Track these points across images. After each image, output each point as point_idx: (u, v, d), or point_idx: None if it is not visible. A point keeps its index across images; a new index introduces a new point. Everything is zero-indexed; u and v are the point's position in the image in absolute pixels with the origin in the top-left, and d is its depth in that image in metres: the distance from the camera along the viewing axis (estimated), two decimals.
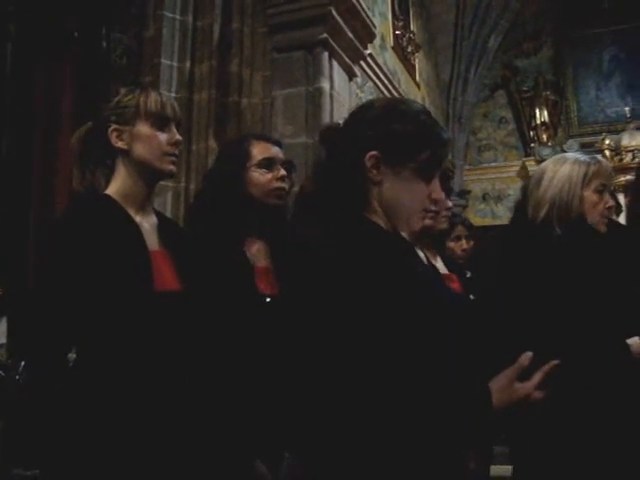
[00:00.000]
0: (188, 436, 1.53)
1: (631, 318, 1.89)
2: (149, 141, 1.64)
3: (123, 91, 1.68)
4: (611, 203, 2.07)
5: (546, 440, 1.81)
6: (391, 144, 1.24)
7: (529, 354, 1.18)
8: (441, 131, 1.30)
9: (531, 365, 1.17)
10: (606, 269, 1.97)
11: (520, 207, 2.17)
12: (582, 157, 2.11)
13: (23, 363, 2.96)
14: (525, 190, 2.16)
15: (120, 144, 1.64)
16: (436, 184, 1.28)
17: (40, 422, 1.48)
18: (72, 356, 1.55)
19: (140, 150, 1.63)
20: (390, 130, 1.24)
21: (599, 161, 2.10)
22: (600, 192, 2.04)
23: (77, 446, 1.44)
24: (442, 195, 1.29)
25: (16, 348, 3.36)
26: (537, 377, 1.16)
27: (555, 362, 1.18)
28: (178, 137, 1.68)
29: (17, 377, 3.05)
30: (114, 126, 1.64)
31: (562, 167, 2.07)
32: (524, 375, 1.17)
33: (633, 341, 1.89)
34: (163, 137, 1.65)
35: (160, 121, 1.65)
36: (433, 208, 1.31)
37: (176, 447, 1.50)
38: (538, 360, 1.18)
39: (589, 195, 2.03)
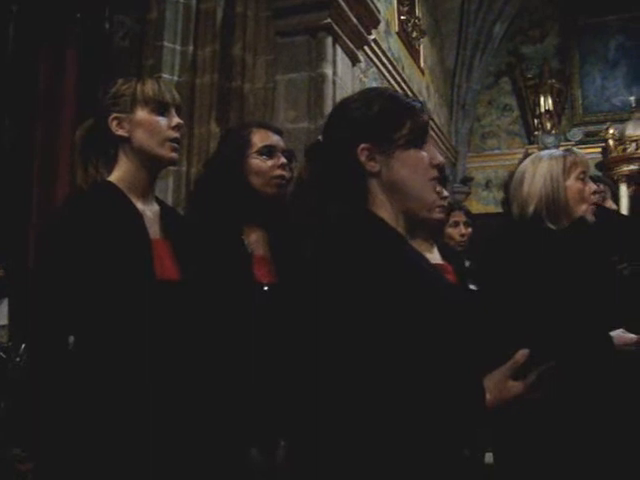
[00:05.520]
0: (183, 424, 1.54)
1: (615, 310, 1.91)
2: (149, 127, 1.64)
3: (120, 80, 1.69)
4: (595, 188, 2.11)
5: (528, 430, 1.82)
6: (375, 128, 1.26)
7: (525, 351, 1.18)
8: (412, 101, 1.35)
9: (526, 361, 1.18)
10: (595, 262, 2.00)
11: (506, 206, 2.21)
12: (557, 152, 2.18)
13: (24, 345, 2.97)
14: (507, 188, 2.20)
15: (121, 132, 1.64)
16: (431, 150, 1.30)
17: (38, 404, 1.49)
18: (72, 339, 1.56)
19: (141, 137, 1.64)
20: (370, 115, 1.27)
21: (574, 152, 2.18)
22: (582, 180, 2.10)
23: (74, 429, 1.45)
24: (441, 159, 1.31)
25: (17, 330, 3.38)
26: (531, 377, 1.17)
27: (551, 363, 1.18)
28: (178, 120, 1.69)
29: (18, 359, 3.07)
30: (114, 114, 1.64)
31: (540, 164, 2.13)
32: (520, 371, 1.17)
33: (616, 334, 1.91)
34: (163, 122, 1.66)
35: (159, 106, 1.66)
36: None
37: (171, 435, 1.51)
38: (532, 356, 1.19)
39: (572, 184, 2.08)
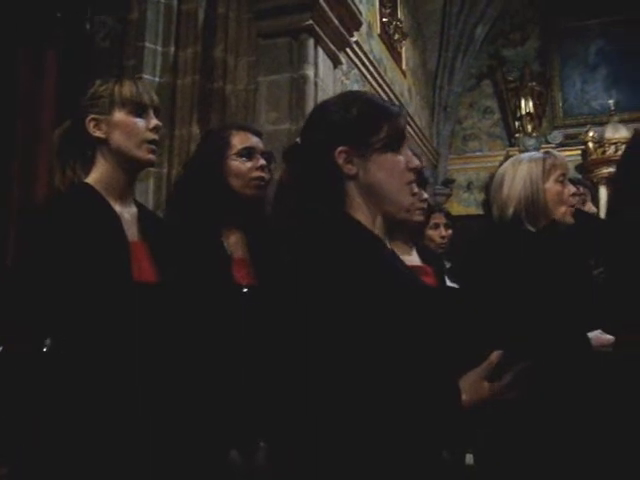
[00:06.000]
0: (163, 426, 1.54)
1: (593, 311, 1.94)
2: (127, 128, 1.63)
3: (98, 82, 1.68)
4: (574, 190, 2.13)
5: (508, 430, 1.83)
6: (353, 131, 1.27)
7: (499, 352, 1.20)
8: (390, 105, 1.36)
9: (502, 362, 1.19)
10: (571, 264, 2.01)
11: (486, 208, 2.23)
12: (536, 154, 2.20)
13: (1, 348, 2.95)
14: (488, 190, 2.21)
15: (98, 133, 1.64)
16: (408, 154, 1.32)
17: (12, 407, 1.48)
18: (48, 342, 1.54)
19: (118, 138, 1.63)
20: (348, 118, 1.28)
21: (553, 154, 2.20)
22: (561, 182, 2.11)
23: (49, 432, 1.44)
24: (418, 163, 1.32)
25: None
26: (507, 378, 1.18)
27: (526, 364, 1.19)
28: (156, 122, 1.68)
29: None
30: (91, 116, 1.64)
31: (520, 166, 2.14)
32: (496, 371, 1.19)
33: (594, 334, 1.93)
34: (141, 123, 1.65)
35: (137, 108, 1.65)
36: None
37: (150, 437, 1.50)
38: (508, 356, 1.20)
39: (552, 186, 2.10)
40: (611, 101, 8.78)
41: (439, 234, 3.59)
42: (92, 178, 1.65)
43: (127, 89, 1.65)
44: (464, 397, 1.16)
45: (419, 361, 1.15)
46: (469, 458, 3.00)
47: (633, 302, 1.89)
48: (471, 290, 2.08)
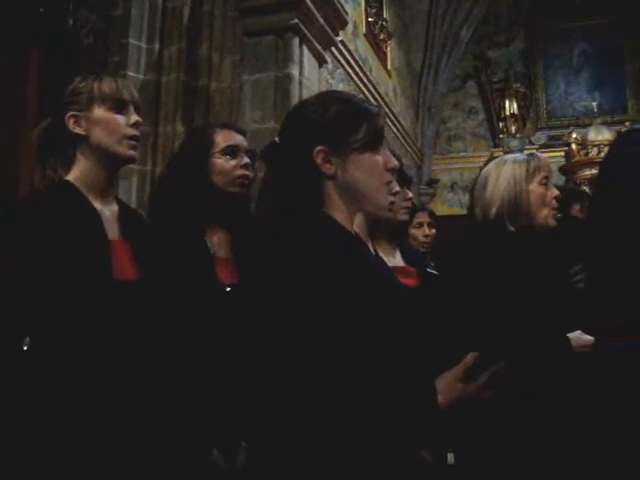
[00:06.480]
0: (143, 426, 1.53)
1: (573, 312, 1.94)
2: (107, 124, 1.62)
3: (78, 78, 1.67)
4: (557, 193, 2.14)
5: (489, 430, 1.84)
6: (332, 130, 1.27)
7: (474, 354, 1.20)
8: (369, 105, 1.36)
9: (478, 362, 1.20)
10: (552, 265, 2.02)
11: (471, 209, 2.23)
12: (521, 156, 2.20)
13: None
14: (472, 191, 2.21)
15: (78, 130, 1.62)
16: (387, 154, 1.32)
17: None
18: (27, 340, 1.53)
19: (98, 134, 1.62)
20: (327, 118, 1.28)
21: (538, 157, 2.19)
22: (545, 184, 2.11)
23: (27, 430, 1.43)
24: (396, 163, 1.32)
25: None
26: (482, 378, 1.19)
27: (501, 364, 1.20)
28: (137, 118, 1.67)
29: None
30: (71, 112, 1.62)
31: (504, 167, 2.14)
32: (471, 372, 1.19)
33: (574, 335, 1.94)
34: (121, 119, 1.64)
35: (117, 104, 1.64)
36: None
37: (131, 437, 1.49)
38: (485, 357, 1.21)
39: (535, 188, 2.10)
40: (594, 103, 8.88)
41: (423, 233, 3.60)
42: (72, 176, 1.63)
43: (106, 85, 1.64)
44: (440, 398, 1.16)
45: (396, 362, 1.16)
46: (450, 457, 3.00)
47: (614, 303, 1.90)
48: (451, 290, 2.08)
